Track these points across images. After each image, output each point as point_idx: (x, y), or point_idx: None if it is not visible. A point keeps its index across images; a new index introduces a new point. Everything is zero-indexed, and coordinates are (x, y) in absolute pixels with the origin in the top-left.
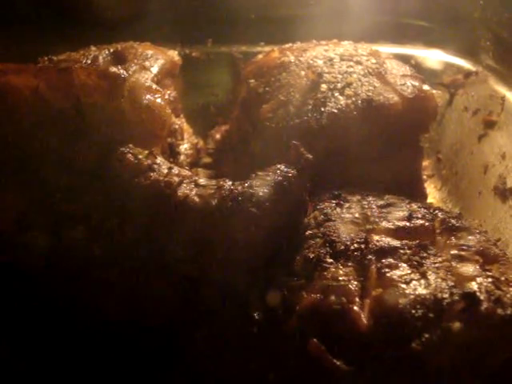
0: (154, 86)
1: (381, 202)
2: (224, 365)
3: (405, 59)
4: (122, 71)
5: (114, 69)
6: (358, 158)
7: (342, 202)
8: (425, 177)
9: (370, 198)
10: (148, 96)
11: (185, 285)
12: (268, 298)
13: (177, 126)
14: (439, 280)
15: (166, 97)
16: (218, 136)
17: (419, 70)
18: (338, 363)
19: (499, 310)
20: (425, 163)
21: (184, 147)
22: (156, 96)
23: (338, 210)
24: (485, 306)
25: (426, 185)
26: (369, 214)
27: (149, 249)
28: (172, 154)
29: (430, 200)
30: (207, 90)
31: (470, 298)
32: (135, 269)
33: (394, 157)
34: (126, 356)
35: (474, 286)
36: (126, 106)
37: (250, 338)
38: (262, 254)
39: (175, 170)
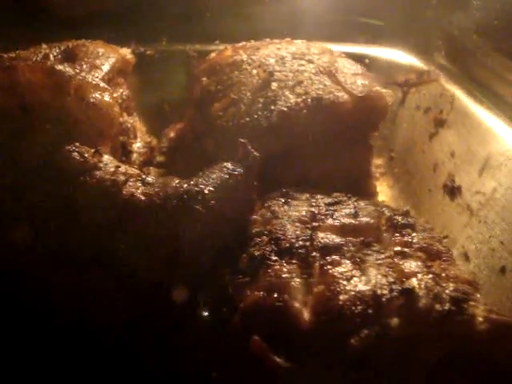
0: (102, 84)
1: (329, 200)
2: (170, 362)
3: (359, 58)
4: (67, 69)
5: (59, 67)
6: (308, 155)
7: (289, 200)
8: (377, 175)
9: (319, 196)
10: (95, 94)
11: (132, 284)
12: (213, 296)
13: (129, 125)
14: (380, 276)
15: (115, 95)
16: (172, 134)
17: (373, 69)
18: (279, 360)
19: (437, 306)
20: (378, 161)
21: (137, 146)
22: (104, 94)
23: (286, 207)
24: (423, 301)
25: (378, 183)
26: (316, 211)
27: (94, 248)
28: (124, 152)
29: (381, 198)
30: (162, 89)
31: (409, 293)
32: (81, 269)
33: (344, 155)
34: (75, 356)
35: (413, 282)
36: (72, 104)
37: (195, 336)
38: (209, 252)
39: (122, 168)
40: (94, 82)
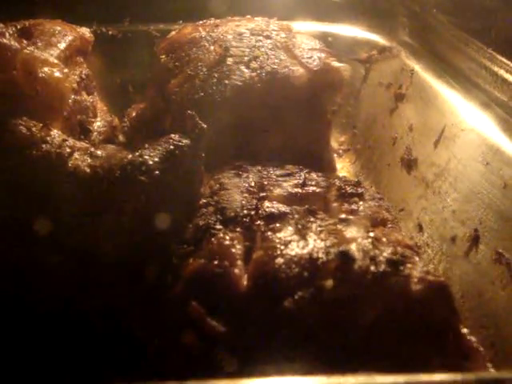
0: (52, 59)
1: (280, 172)
2: (115, 332)
3: (322, 36)
4: (13, 43)
5: (4, 41)
6: (263, 129)
7: (240, 173)
8: (341, 151)
9: (271, 168)
10: (44, 69)
11: (76, 257)
12: (158, 266)
13: (88, 104)
14: (319, 241)
15: (66, 71)
16: (133, 114)
17: (336, 47)
18: (215, 325)
19: (372, 268)
20: (342, 138)
21: (97, 125)
22: (53, 69)
23: (236, 179)
24: (358, 263)
25: (341, 159)
26: (265, 182)
27: (41, 221)
28: (83, 131)
29: (343, 173)
30: (125, 69)
31: (344, 256)
32: (26, 241)
33: (301, 129)
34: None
35: (351, 245)
36: (18, 79)
37: (140, 307)
38: (155, 223)
39: (69, 142)
40: (42, 57)
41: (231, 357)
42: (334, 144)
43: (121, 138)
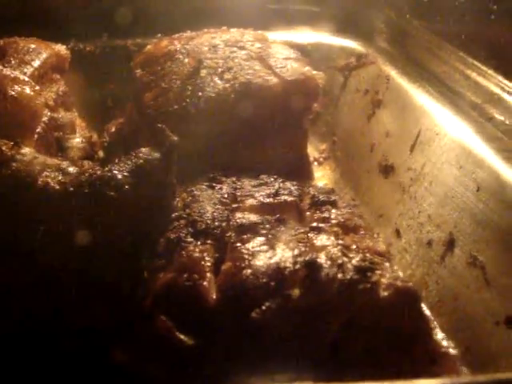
0: (22, 77)
1: (254, 182)
2: (86, 349)
3: (300, 46)
4: None
5: None
6: (238, 140)
7: (214, 184)
8: (321, 159)
9: (245, 179)
10: (15, 87)
11: (48, 275)
12: (129, 282)
13: (66, 120)
14: (288, 251)
15: (36, 88)
16: (113, 129)
17: (316, 55)
18: (183, 338)
19: (339, 275)
20: (322, 146)
21: (76, 141)
22: (24, 87)
23: (209, 191)
24: (326, 272)
25: (321, 167)
26: (238, 193)
27: (10, 239)
28: (60, 148)
29: (323, 182)
30: (104, 85)
31: (311, 264)
32: None
33: (278, 139)
34: None
35: (320, 254)
36: None
37: (111, 321)
38: (126, 238)
39: (40, 159)
40: (12, 75)
41: (165, 373)
42: (314, 152)
43: (100, 153)
